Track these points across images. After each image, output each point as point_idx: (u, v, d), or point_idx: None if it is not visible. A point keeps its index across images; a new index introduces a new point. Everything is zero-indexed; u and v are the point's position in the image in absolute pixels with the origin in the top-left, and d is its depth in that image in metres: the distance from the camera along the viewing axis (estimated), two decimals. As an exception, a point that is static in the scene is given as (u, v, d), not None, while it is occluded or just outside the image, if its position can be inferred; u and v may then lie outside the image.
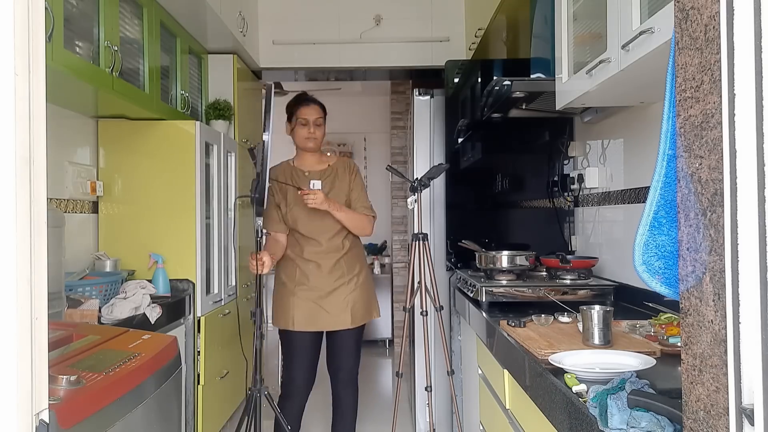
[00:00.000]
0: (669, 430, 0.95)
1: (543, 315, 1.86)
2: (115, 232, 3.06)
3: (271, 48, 4.34)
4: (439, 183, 3.46)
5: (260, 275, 2.37)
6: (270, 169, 2.70)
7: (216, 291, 3.36)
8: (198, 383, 3.03)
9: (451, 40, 4.30)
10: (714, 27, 0.74)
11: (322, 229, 2.66)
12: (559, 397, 1.24)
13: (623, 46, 1.54)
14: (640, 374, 1.19)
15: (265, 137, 2.23)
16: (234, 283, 3.68)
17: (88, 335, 1.78)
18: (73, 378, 1.30)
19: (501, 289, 2.32)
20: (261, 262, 2.36)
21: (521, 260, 2.45)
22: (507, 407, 1.83)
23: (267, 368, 4.81)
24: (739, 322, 0.69)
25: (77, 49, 2.29)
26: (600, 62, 1.71)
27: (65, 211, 2.73)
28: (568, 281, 2.36)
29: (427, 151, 3.52)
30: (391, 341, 5.90)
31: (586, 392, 1.16)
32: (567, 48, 2.08)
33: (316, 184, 2.67)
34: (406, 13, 4.33)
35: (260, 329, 2.33)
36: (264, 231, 2.47)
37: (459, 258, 3.28)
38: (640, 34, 1.44)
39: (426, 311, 2.56)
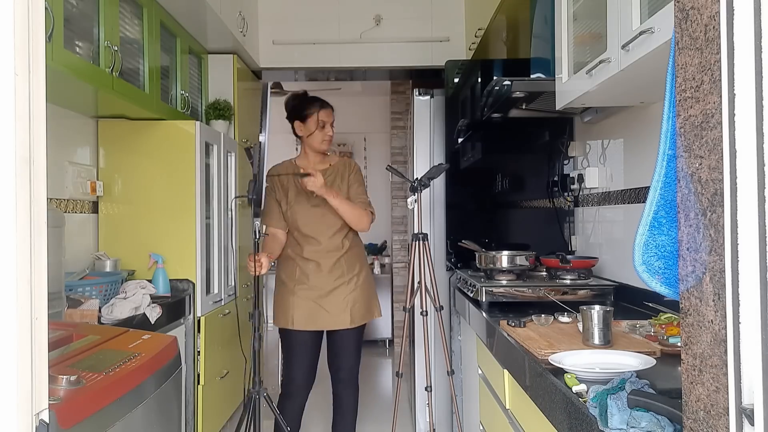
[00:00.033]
0: (669, 430, 0.95)
1: (543, 315, 1.86)
2: (115, 232, 3.06)
3: (271, 48, 4.34)
4: (439, 183, 3.46)
5: (258, 277, 2.38)
6: (272, 167, 2.72)
7: (216, 291, 3.36)
8: (198, 383, 3.03)
9: (451, 40, 4.30)
10: (714, 27, 0.74)
11: (322, 228, 2.66)
12: (559, 397, 1.24)
13: (623, 46, 1.54)
14: (640, 374, 1.19)
15: (261, 138, 2.23)
16: (234, 283, 3.68)
17: (88, 335, 1.78)
18: (73, 378, 1.30)
19: (501, 289, 2.32)
20: (259, 264, 2.37)
21: (521, 260, 2.45)
22: (507, 407, 1.83)
23: (267, 368, 4.81)
24: (739, 322, 0.69)
25: (77, 49, 2.29)
26: (600, 62, 1.71)
27: (65, 211, 2.73)
28: (568, 281, 2.36)
29: (427, 151, 3.52)
30: (391, 341, 5.90)
31: (586, 392, 1.16)
32: (567, 48, 2.08)
33: None
34: (406, 13, 4.33)
35: (258, 330, 2.33)
36: (263, 232, 2.48)
37: (459, 258, 3.28)
38: (640, 34, 1.44)
39: (426, 311, 2.56)
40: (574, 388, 1.20)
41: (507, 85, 2.31)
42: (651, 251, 0.98)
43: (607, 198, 2.50)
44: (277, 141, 5.91)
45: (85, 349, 1.64)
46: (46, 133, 1.04)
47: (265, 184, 2.37)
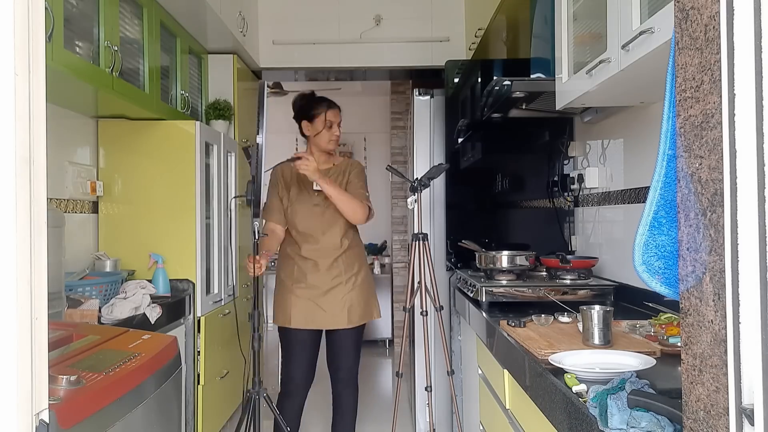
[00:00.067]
0: (669, 430, 0.95)
1: (543, 315, 1.86)
2: (115, 232, 3.06)
3: (271, 48, 4.34)
4: (439, 183, 3.46)
5: (257, 277, 2.38)
6: (278, 164, 2.72)
7: (216, 291, 3.36)
8: (198, 383, 3.03)
9: (451, 40, 4.30)
10: (714, 27, 0.74)
11: (320, 227, 2.67)
12: (559, 397, 1.24)
13: (623, 46, 1.54)
14: (640, 374, 1.19)
15: (259, 139, 2.24)
16: (234, 283, 3.68)
17: (88, 335, 1.78)
18: (73, 378, 1.30)
19: (501, 289, 2.32)
20: (258, 264, 2.37)
21: (521, 260, 2.45)
22: (507, 407, 1.83)
23: (267, 368, 4.81)
24: (739, 322, 0.69)
25: (77, 49, 2.29)
26: (600, 62, 1.71)
27: (65, 211, 2.73)
28: (568, 281, 2.36)
29: (427, 151, 3.52)
30: (391, 341, 5.90)
31: (586, 392, 1.16)
32: (567, 48, 2.08)
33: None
34: (406, 13, 4.33)
35: (258, 330, 2.34)
36: (262, 232, 2.48)
37: (459, 258, 3.28)
38: (640, 34, 1.44)
39: (426, 311, 2.56)
40: (574, 388, 1.20)
41: (507, 85, 2.31)
42: (651, 251, 0.98)
43: (607, 198, 2.50)
44: (277, 141, 5.92)
45: (85, 349, 1.64)
46: (46, 133, 1.04)
47: (269, 179, 2.36)
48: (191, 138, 3.07)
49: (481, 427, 2.31)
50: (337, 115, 2.77)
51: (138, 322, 2.35)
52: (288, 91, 5.91)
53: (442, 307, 2.58)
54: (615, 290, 2.28)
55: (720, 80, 0.72)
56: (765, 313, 0.66)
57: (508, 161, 3.56)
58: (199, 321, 3.05)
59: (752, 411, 0.67)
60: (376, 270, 6.06)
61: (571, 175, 2.81)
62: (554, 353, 1.41)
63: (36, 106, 1.01)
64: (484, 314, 2.18)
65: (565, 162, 2.92)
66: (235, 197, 3.64)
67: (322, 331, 2.73)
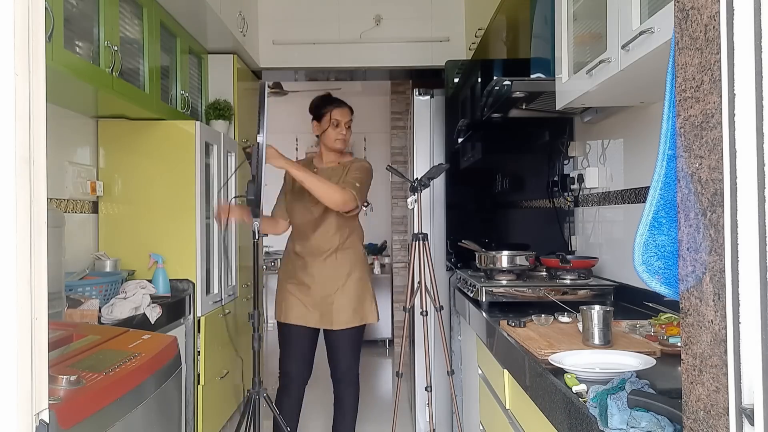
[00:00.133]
0: (669, 430, 0.95)
1: (543, 315, 1.86)
2: (115, 232, 3.06)
3: (271, 48, 4.34)
4: (439, 183, 3.46)
5: (258, 277, 2.40)
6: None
7: (216, 291, 3.36)
8: (198, 383, 3.03)
9: (451, 40, 4.30)
10: (714, 27, 0.74)
11: (311, 225, 2.70)
12: (559, 397, 1.24)
13: (623, 46, 1.54)
14: (640, 374, 1.19)
15: (259, 139, 2.23)
16: (234, 283, 3.68)
17: (88, 335, 1.78)
18: (73, 378, 1.30)
19: (501, 289, 2.32)
20: (226, 214, 2.45)
21: (521, 260, 2.45)
22: (507, 407, 1.83)
23: (267, 368, 4.81)
24: (739, 322, 0.69)
25: (77, 49, 2.29)
26: (600, 62, 1.71)
27: (65, 211, 2.73)
28: (568, 281, 2.36)
29: (427, 151, 3.52)
30: (391, 341, 5.90)
31: (586, 392, 1.16)
32: (567, 48, 2.08)
33: None
34: (406, 13, 4.33)
35: (258, 331, 2.34)
36: (261, 232, 2.49)
37: (459, 258, 3.28)
38: (640, 34, 1.44)
39: (426, 311, 2.56)
40: (574, 388, 1.20)
41: (507, 85, 2.31)
42: (651, 251, 0.98)
43: (607, 198, 2.50)
44: (277, 141, 5.92)
45: (85, 349, 1.63)
46: (46, 133, 1.04)
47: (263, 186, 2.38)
48: (191, 138, 3.07)
49: (481, 427, 2.31)
50: (345, 114, 2.77)
51: (138, 322, 2.35)
52: (288, 91, 5.91)
53: (442, 307, 2.58)
54: (615, 290, 2.28)
55: (720, 80, 0.72)
56: (765, 313, 0.66)
57: (508, 161, 3.56)
58: (199, 321, 3.05)
59: (752, 411, 0.67)
60: (376, 270, 6.06)
61: (571, 175, 2.81)
62: (554, 353, 1.41)
63: (36, 106, 1.01)
64: (484, 314, 2.18)
65: (565, 162, 2.92)
66: (235, 197, 3.64)
67: (314, 329, 2.74)
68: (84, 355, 1.58)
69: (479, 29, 3.57)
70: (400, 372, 2.65)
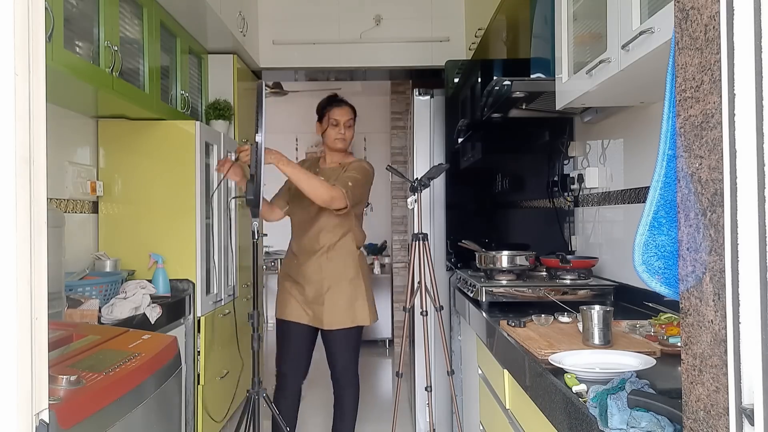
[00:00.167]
0: (669, 430, 0.95)
1: (543, 315, 1.86)
2: (115, 232, 3.06)
3: (271, 48, 4.34)
4: (439, 183, 3.46)
5: (258, 276, 2.40)
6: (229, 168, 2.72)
7: (216, 291, 3.36)
8: (198, 383, 3.03)
9: (451, 40, 4.30)
10: (714, 27, 0.74)
11: (306, 223, 2.72)
12: (559, 397, 1.24)
13: (623, 46, 1.54)
14: (640, 374, 1.19)
15: (258, 138, 2.23)
16: (234, 283, 3.68)
17: (88, 335, 1.78)
18: (73, 378, 1.30)
19: (501, 289, 2.32)
20: (226, 167, 2.43)
21: (521, 260, 2.45)
22: (507, 407, 1.83)
23: (267, 368, 4.81)
24: (739, 322, 0.69)
25: (77, 49, 2.29)
26: (600, 62, 1.71)
27: (65, 211, 2.73)
28: (568, 281, 2.36)
29: (427, 151, 3.52)
30: (391, 341, 5.90)
31: (586, 392, 1.16)
32: (567, 48, 2.08)
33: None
34: (406, 13, 4.33)
35: (258, 331, 2.34)
36: (261, 233, 2.49)
37: (459, 258, 3.28)
38: (640, 34, 1.44)
39: (426, 311, 2.56)
40: (574, 388, 1.20)
41: (507, 85, 2.31)
42: (651, 251, 0.98)
43: (607, 198, 2.50)
44: (277, 141, 5.92)
45: (85, 349, 1.63)
46: (46, 133, 1.04)
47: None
48: (191, 138, 3.07)
49: (481, 427, 2.31)
50: (344, 114, 2.77)
51: (138, 322, 2.35)
52: (288, 91, 5.92)
53: (442, 307, 2.58)
54: (615, 290, 2.28)
55: (720, 80, 0.72)
56: (765, 313, 0.66)
57: (508, 161, 3.56)
58: (199, 321, 3.05)
59: (752, 411, 0.67)
60: (376, 270, 6.06)
61: (571, 175, 2.81)
62: (554, 353, 1.41)
63: (36, 106, 1.01)
64: (484, 314, 2.18)
65: (565, 162, 2.92)
66: (235, 197, 3.64)
67: (312, 327, 2.74)
68: (84, 355, 1.58)
69: (479, 29, 3.57)
70: (400, 372, 2.65)
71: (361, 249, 2.84)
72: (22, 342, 0.97)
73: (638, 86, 1.79)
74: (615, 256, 2.45)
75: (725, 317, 0.70)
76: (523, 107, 2.60)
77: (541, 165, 3.11)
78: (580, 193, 2.77)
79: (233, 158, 2.42)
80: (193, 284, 3.04)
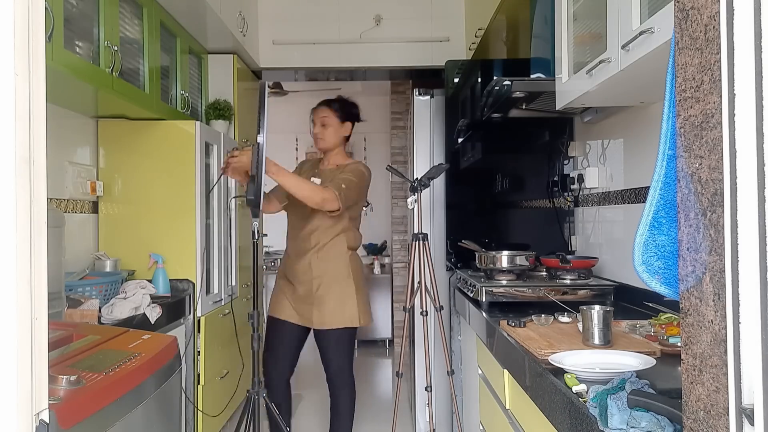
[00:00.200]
0: (669, 430, 0.95)
1: (543, 315, 1.86)
2: (115, 232, 3.06)
3: (271, 48, 4.34)
4: (439, 183, 3.46)
5: (258, 276, 2.40)
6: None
7: (216, 291, 3.36)
8: (198, 383, 3.03)
9: (451, 40, 4.30)
10: (714, 27, 0.74)
11: (299, 223, 2.73)
12: (559, 397, 1.24)
13: (623, 46, 1.54)
14: (640, 374, 1.19)
15: (259, 139, 2.23)
16: (234, 283, 3.68)
17: (88, 335, 1.78)
18: (73, 378, 1.30)
19: (501, 289, 2.32)
20: (234, 159, 2.38)
21: (521, 260, 2.45)
22: (507, 407, 1.83)
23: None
24: (739, 322, 0.69)
25: (77, 49, 2.29)
26: (600, 62, 1.71)
27: (65, 211, 2.73)
28: (568, 281, 2.36)
29: (427, 151, 3.52)
30: (391, 341, 5.90)
31: (586, 392, 1.16)
32: (567, 48, 2.08)
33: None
34: (406, 13, 4.33)
35: (258, 331, 2.34)
36: (261, 233, 2.50)
37: (459, 258, 3.28)
38: (640, 34, 1.44)
39: (426, 311, 2.56)
40: (574, 388, 1.20)
41: (507, 85, 2.31)
42: (651, 251, 0.98)
43: (607, 198, 2.50)
44: (277, 141, 5.92)
45: (85, 349, 1.64)
46: (46, 133, 1.04)
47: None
48: (191, 138, 3.07)
49: (481, 427, 2.31)
50: (319, 112, 2.79)
51: (138, 322, 2.35)
52: (288, 91, 5.92)
53: (442, 307, 2.58)
54: (615, 290, 2.28)
55: (720, 80, 0.72)
56: (765, 313, 0.66)
57: (508, 161, 3.56)
58: (199, 321, 3.05)
59: (752, 411, 0.67)
60: (376, 270, 6.06)
61: (571, 175, 2.81)
62: (554, 353, 1.41)
63: (36, 106, 1.01)
64: (484, 314, 2.18)
65: (565, 162, 2.92)
66: (235, 197, 3.64)
67: (302, 326, 2.74)
68: (84, 355, 1.58)
69: (479, 29, 3.57)
70: (400, 372, 2.65)
71: (356, 251, 2.82)
72: (22, 342, 0.97)
73: (638, 86, 1.79)
74: (615, 256, 2.45)
75: (725, 317, 0.70)
76: (523, 107, 2.60)
77: (541, 165, 3.11)
78: (580, 193, 2.77)
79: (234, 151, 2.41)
80: (193, 284, 3.04)
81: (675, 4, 0.84)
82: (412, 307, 2.64)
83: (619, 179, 2.41)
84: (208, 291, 3.23)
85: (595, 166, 2.60)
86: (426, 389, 2.55)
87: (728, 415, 0.70)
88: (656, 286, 0.99)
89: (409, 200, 2.61)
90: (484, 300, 2.31)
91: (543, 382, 1.36)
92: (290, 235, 2.80)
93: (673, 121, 0.91)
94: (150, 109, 2.90)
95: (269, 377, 2.75)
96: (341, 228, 2.70)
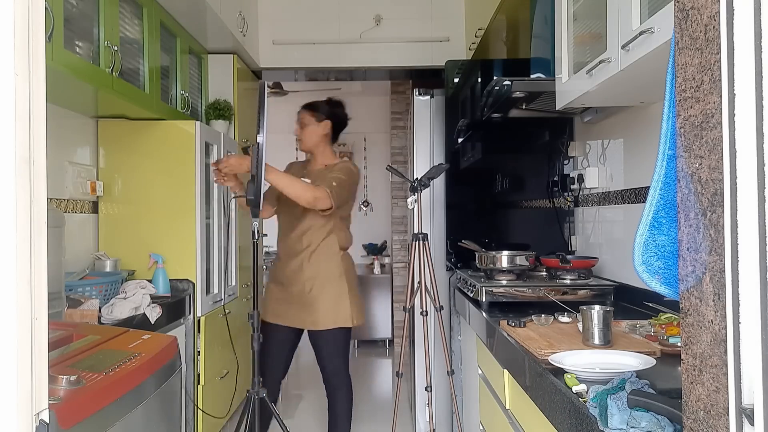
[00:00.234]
0: (669, 430, 0.95)
1: (543, 315, 1.86)
2: (115, 232, 3.06)
3: (271, 48, 4.34)
4: (439, 183, 3.46)
5: (258, 276, 2.40)
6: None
7: (216, 291, 3.36)
8: (198, 383, 3.03)
9: (451, 40, 4.30)
10: (714, 27, 0.74)
11: (290, 224, 2.74)
12: (559, 397, 1.24)
13: (623, 46, 1.54)
14: (640, 374, 1.19)
15: (259, 139, 2.23)
16: (234, 283, 3.68)
17: (88, 335, 1.78)
18: (73, 378, 1.30)
19: (501, 289, 2.32)
20: (221, 173, 2.42)
21: (521, 260, 2.45)
22: (507, 407, 1.83)
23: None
24: (739, 322, 0.69)
25: (77, 49, 2.29)
26: (600, 62, 1.71)
27: (65, 211, 2.73)
28: (568, 281, 2.36)
29: (427, 151, 3.52)
30: (391, 341, 5.89)
31: (586, 392, 1.16)
32: (567, 48, 2.08)
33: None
34: (406, 13, 4.33)
35: (257, 331, 2.34)
36: (261, 233, 2.49)
37: (459, 258, 3.28)
38: (640, 34, 1.44)
39: (426, 311, 2.56)
40: (574, 388, 1.20)
41: (507, 85, 2.31)
42: (651, 251, 0.98)
43: (607, 198, 2.50)
44: (278, 141, 5.92)
45: (85, 349, 1.64)
46: (46, 133, 1.04)
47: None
48: (191, 138, 3.07)
49: (481, 427, 2.31)
50: (298, 115, 2.82)
51: (138, 322, 2.35)
52: (288, 91, 5.91)
53: (442, 307, 2.58)
54: (615, 290, 2.28)
55: (720, 80, 0.72)
56: (765, 313, 0.66)
57: (508, 161, 3.56)
58: (199, 321, 3.05)
59: (752, 411, 0.67)
60: (376, 270, 6.06)
61: (571, 175, 2.81)
62: (554, 353, 1.41)
63: (36, 106, 1.01)
64: (484, 314, 2.18)
65: (565, 162, 2.92)
66: (234, 197, 3.64)
67: (295, 328, 2.74)
68: (84, 355, 1.58)
69: (479, 29, 3.57)
70: (400, 372, 2.66)
71: (347, 251, 2.82)
72: (22, 342, 0.97)
73: (638, 86, 1.80)
74: (615, 256, 2.45)
75: (725, 317, 0.70)
76: (523, 107, 2.60)
77: (541, 165, 3.12)
78: (580, 193, 2.77)
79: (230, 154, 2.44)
80: (193, 284, 3.04)
81: (675, 4, 0.84)
82: (412, 307, 2.64)
83: (619, 179, 2.41)
84: (208, 291, 3.23)
85: (595, 166, 2.60)
86: (426, 389, 2.55)
87: (728, 415, 0.70)
88: (656, 286, 0.99)
89: (409, 200, 2.61)
90: (484, 300, 2.31)
91: (543, 382, 1.36)
92: (281, 238, 2.79)
93: (673, 121, 0.91)
94: (150, 109, 2.90)
95: (263, 381, 2.75)
96: (334, 228, 2.71)
